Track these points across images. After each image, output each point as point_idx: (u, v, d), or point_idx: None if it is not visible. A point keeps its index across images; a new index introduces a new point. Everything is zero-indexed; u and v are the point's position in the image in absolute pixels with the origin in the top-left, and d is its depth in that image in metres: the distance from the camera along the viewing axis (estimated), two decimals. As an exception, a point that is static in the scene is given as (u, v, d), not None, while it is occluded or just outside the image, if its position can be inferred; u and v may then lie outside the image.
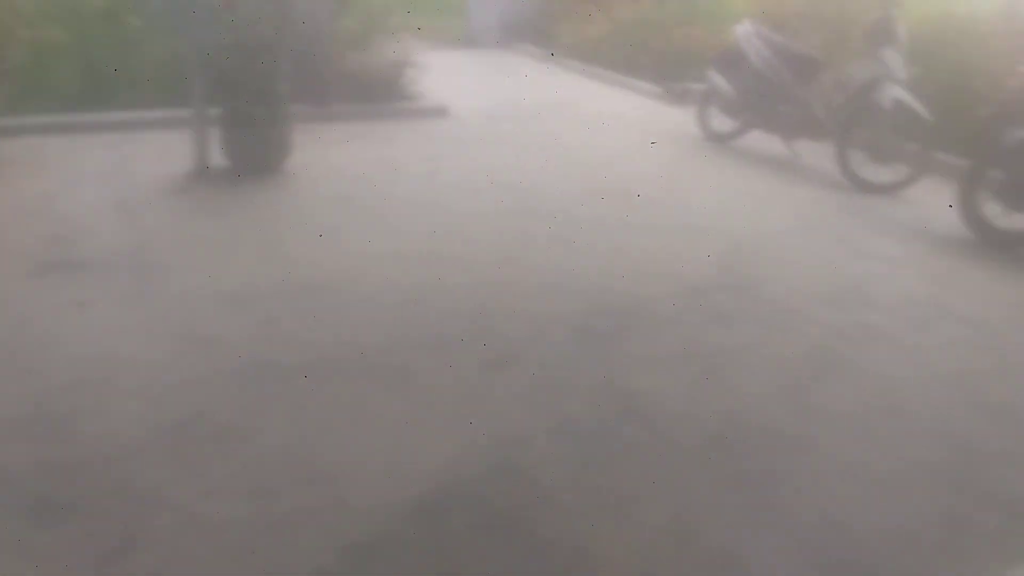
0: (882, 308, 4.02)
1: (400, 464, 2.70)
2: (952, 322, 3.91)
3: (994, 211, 4.87)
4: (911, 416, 3.10)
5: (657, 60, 9.32)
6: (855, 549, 2.39)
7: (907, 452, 2.86)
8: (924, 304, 4.09)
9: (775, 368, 3.42)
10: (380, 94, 7.58)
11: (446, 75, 9.01)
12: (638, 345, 3.57)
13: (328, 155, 6.26)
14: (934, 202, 5.52)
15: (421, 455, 2.74)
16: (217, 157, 5.67)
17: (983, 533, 2.47)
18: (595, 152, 6.72)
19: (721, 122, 7.05)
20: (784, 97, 6.50)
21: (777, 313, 3.92)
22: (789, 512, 2.55)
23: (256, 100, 5.57)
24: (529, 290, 4.05)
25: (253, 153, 5.72)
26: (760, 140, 6.92)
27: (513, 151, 6.61)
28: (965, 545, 2.42)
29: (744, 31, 6.81)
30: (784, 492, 2.64)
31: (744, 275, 4.34)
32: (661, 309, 3.90)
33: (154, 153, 6.02)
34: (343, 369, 3.27)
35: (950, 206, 5.07)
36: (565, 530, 2.41)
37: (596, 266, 4.36)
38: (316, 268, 4.18)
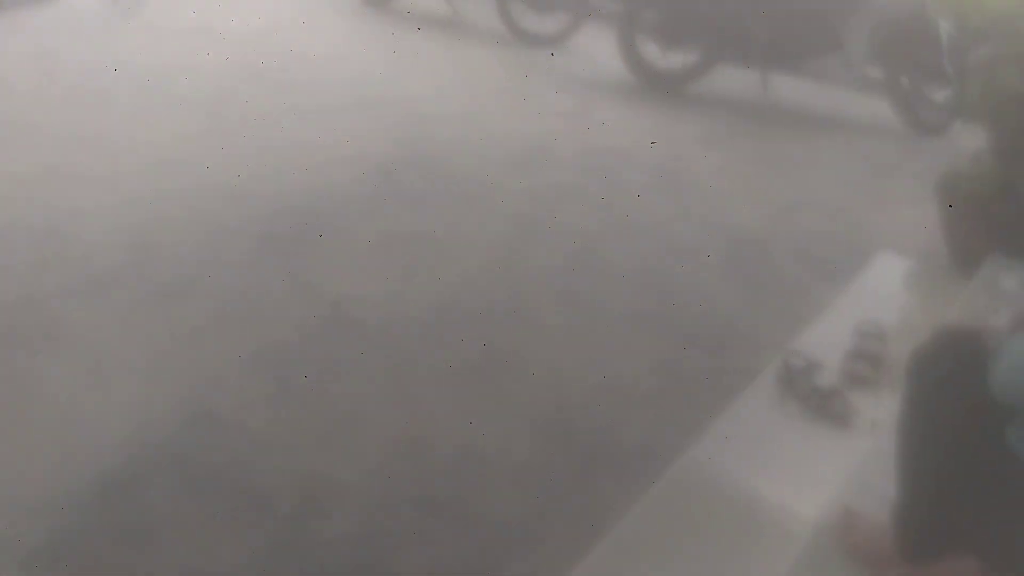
0: (567, 165, 4.15)
1: (73, 441, 2.29)
2: (632, 170, 4.14)
3: (652, 53, 5.19)
4: (612, 270, 3.26)
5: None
6: (585, 413, 2.48)
7: (615, 306, 3.01)
8: (604, 155, 4.29)
9: (477, 245, 3.40)
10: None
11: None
12: (331, 245, 3.35)
13: None
14: (598, 49, 5.76)
15: (97, 425, 2.35)
16: None
17: (691, 374, 2.68)
18: (241, 28, 6.09)
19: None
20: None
21: (468, 185, 3.89)
22: (519, 392, 2.57)
23: None
24: (192, 200, 3.60)
25: None
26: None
27: (148, 38, 5.77)
28: (679, 388, 2.61)
29: None
30: (509, 370, 2.66)
31: (428, 149, 4.23)
32: (348, 199, 3.69)
33: None
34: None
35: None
36: (285, 473, 2.22)
37: (266, 160, 3.99)
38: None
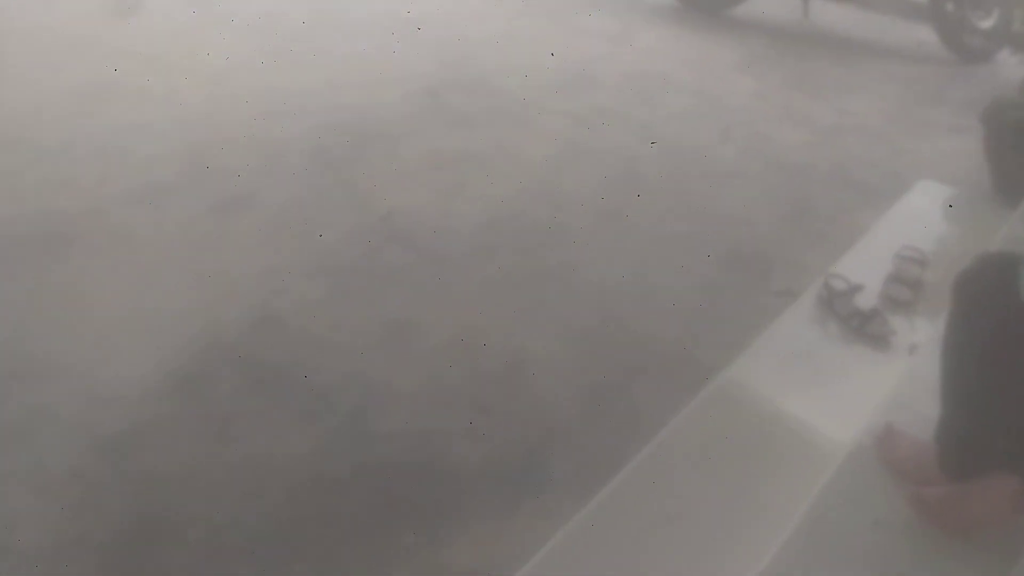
0: (610, 88, 4.05)
1: (146, 337, 2.34)
2: (674, 93, 4.03)
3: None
4: (655, 191, 3.20)
5: None
6: (627, 327, 2.47)
7: (657, 226, 2.97)
8: (646, 78, 4.17)
9: (522, 164, 3.35)
10: None
11: None
12: (381, 161, 3.33)
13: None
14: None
15: (167, 322, 2.40)
16: None
17: (733, 293, 2.65)
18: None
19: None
20: None
21: (512, 107, 3.81)
22: (564, 303, 2.57)
23: None
24: (246, 117, 3.57)
25: None
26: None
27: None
28: (721, 306, 2.58)
29: None
30: (549, 285, 2.65)
31: (472, 70, 4.14)
32: (396, 118, 3.64)
33: None
34: (44, 241, 2.73)
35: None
36: (343, 374, 2.25)
37: (314, 79, 3.93)
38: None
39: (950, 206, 3.02)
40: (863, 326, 2.32)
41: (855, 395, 2.10)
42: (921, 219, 2.91)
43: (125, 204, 2.96)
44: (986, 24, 4.53)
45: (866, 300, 2.40)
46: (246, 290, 2.55)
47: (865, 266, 2.55)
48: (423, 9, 4.83)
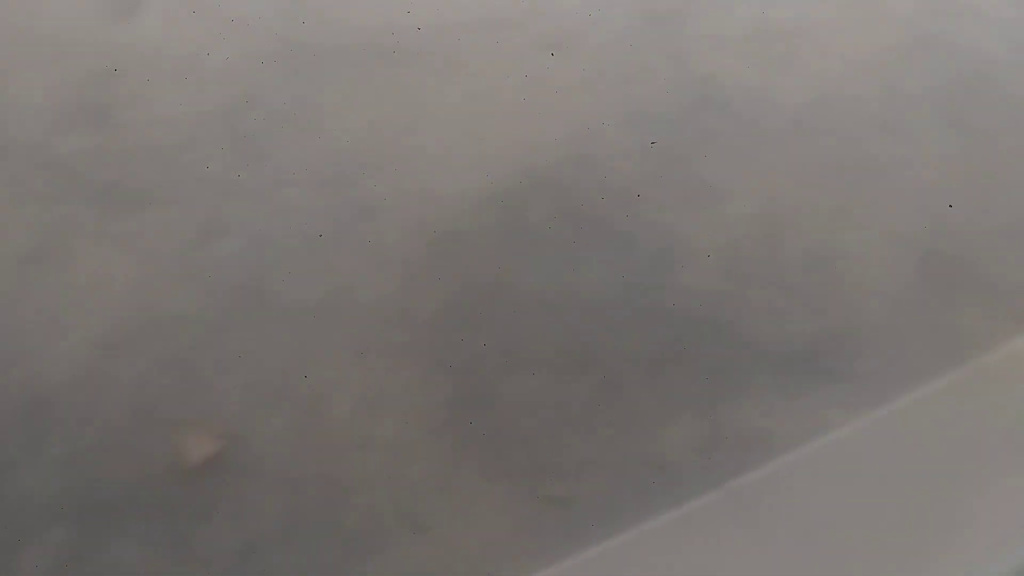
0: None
1: (469, 156, 2.47)
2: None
3: None
4: (1014, 104, 2.80)
5: None
6: (956, 242, 2.24)
7: (1012, 142, 2.61)
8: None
9: (858, 46, 3.05)
10: None
11: None
12: (705, 23, 3.16)
13: None
14: None
15: (491, 146, 2.51)
16: None
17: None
18: None
19: None
20: None
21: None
22: (883, 203, 2.36)
23: None
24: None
25: None
26: None
27: None
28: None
29: None
30: (875, 181, 2.44)
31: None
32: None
33: None
34: (385, 54, 2.91)
35: None
36: (648, 223, 2.26)
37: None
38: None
39: None
40: None
41: None
42: None
43: (463, 31, 3.06)
44: None
45: None
46: (564, 128, 2.59)
47: None
48: None
